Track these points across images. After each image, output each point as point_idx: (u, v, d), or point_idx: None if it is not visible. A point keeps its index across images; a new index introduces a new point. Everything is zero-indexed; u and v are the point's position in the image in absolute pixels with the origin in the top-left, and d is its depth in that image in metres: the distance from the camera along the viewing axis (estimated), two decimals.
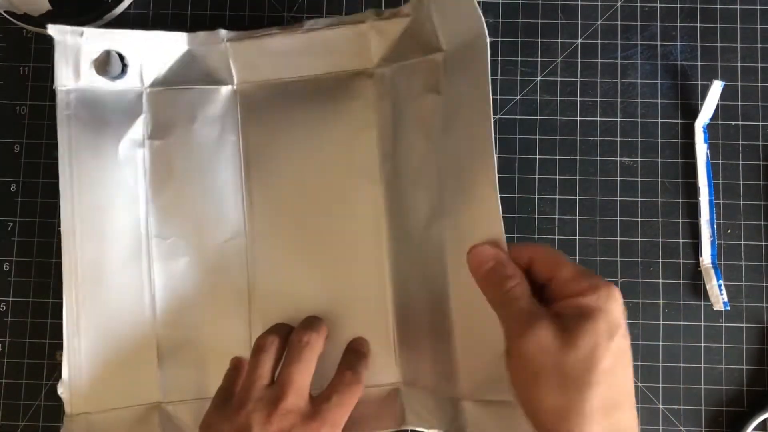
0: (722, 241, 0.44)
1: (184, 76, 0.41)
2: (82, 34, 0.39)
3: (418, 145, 0.39)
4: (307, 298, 0.40)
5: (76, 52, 0.39)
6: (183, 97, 0.41)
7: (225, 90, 0.41)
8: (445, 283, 0.37)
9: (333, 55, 0.40)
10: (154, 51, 0.41)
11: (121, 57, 0.40)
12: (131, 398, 0.39)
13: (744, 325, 0.43)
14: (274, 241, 0.40)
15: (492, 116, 0.33)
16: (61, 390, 0.38)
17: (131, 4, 0.45)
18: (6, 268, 0.44)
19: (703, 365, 0.43)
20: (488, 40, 0.34)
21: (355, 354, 0.39)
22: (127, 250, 0.39)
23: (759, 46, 0.45)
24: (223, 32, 0.41)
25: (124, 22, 0.45)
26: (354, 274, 0.40)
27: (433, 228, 0.38)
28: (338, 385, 0.36)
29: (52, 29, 0.39)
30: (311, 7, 0.45)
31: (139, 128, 0.40)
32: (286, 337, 0.37)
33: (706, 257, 0.43)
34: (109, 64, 0.39)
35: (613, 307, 0.30)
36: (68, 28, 0.39)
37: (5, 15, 0.44)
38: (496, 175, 0.33)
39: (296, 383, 0.35)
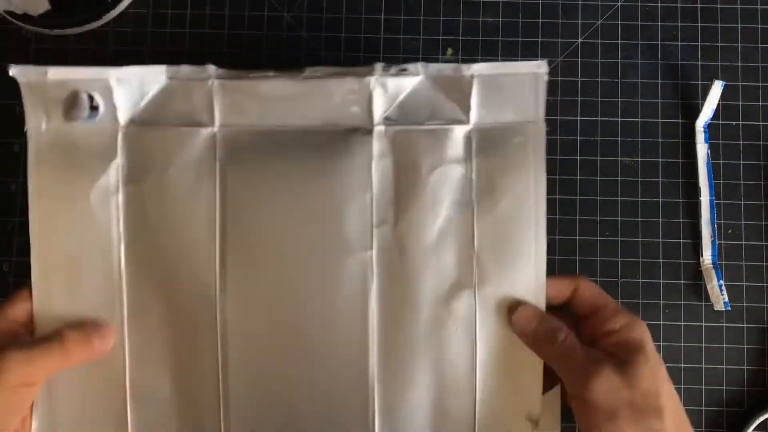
0: (723, 241, 0.44)
1: (161, 115, 0.38)
2: (46, 74, 0.37)
3: (437, 215, 0.37)
4: (281, 367, 0.37)
5: (43, 92, 0.37)
6: (158, 138, 0.37)
7: (203, 132, 0.37)
8: (470, 351, 0.37)
9: (331, 106, 0.37)
10: (130, 87, 0.37)
11: (91, 97, 0.37)
12: None
13: (745, 325, 0.43)
14: (247, 304, 0.37)
15: (545, 191, 0.37)
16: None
17: (131, 3, 0.45)
18: (5, 268, 0.44)
19: (703, 365, 0.43)
20: (545, 127, 0.37)
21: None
22: (100, 303, 0.37)
23: (760, 45, 0.45)
24: (212, 68, 0.37)
25: (124, 21, 0.45)
26: (334, 349, 0.37)
27: (457, 298, 0.37)
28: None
29: (15, 70, 0.37)
30: (311, 8, 0.45)
31: (113, 173, 0.37)
32: None
33: (706, 257, 0.43)
34: (75, 106, 0.36)
35: (649, 337, 0.34)
36: (32, 68, 0.37)
37: (5, 15, 0.44)
38: (545, 251, 0.37)
39: None
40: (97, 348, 0.36)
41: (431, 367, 0.37)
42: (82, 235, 0.37)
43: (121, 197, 0.37)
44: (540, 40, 0.45)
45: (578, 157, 0.44)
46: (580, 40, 0.45)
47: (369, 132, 0.38)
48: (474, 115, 0.37)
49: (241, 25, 0.45)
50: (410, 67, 0.37)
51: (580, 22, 0.45)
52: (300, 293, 0.37)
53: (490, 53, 0.45)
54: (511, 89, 0.37)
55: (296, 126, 0.38)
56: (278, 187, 0.37)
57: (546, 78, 0.37)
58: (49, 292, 0.37)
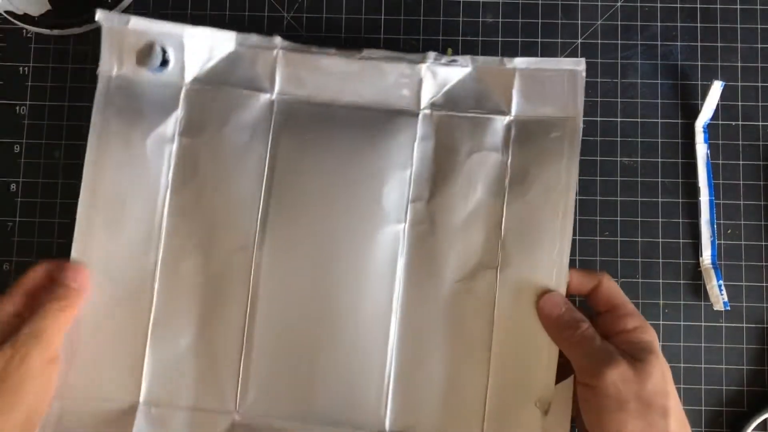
0: (722, 241, 0.44)
1: (225, 77, 0.40)
2: (128, 22, 0.39)
3: (470, 197, 0.39)
4: (306, 324, 0.39)
5: (121, 39, 0.39)
6: (219, 97, 0.40)
7: (263, 98, 0.40)
8: (488, 331, 0.38)
9: (383, 87, 0.40)
10: (200, 47, 0.40)
11: (164, 50, 0.39)
12: (112, 392, 0.38)
13: (744, 325, 0.43)
14: (283, 260, 0.39)
15: (576, 184, 0.38)
16: None
17: (131, 3, 0.45)
18: (6, 268, 0.44)
19: (703, 365, 0.43)
20: (582, 123, 0.39)
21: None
22: (138, 242, 0.39)
23: (759, 46, 0.45)
24: (278, 39, 0.40)
25: None
26: (359, 313, 0.39)
27: (480, 278, 0.39)
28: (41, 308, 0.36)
29: (101, 14, 0.39)
30: (311, 8, 0.45)
31: (171, 123, 0.40)
32: None
33: (706, 257, 0.43)
34: (149, 56, 0.39)
35: (658, 342, 0.36)
36: (115, 15, 0.39)
37: (5, 15, 0.44)
38: (570, 242, 0.38)
39: None
40: (77, 287, 0.37)
41: (448, 341, 0.39)
42: (132, 176, 0.39)
43: (175, 147, 0.40)
44: (540, 40, 0.45)
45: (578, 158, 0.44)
46: (579, 41, 0.45)
47: (415, 115, 0.40)
48: (515, 107, 0.40)
49: (242, 25, 0.45)
50: (460, 59, 0.40)
51: (579, 22, 0.45)
52: (333, 256, 0.39)
53: (489, 53, 0.45)
54: (552, 85, 0.39)
55: (348, 102, 0.40)
56: (325, 156, 0.40)
57: (584, 75, 0.39)
58: (91, 223, 0.39)
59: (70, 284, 0.37)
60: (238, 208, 0.39)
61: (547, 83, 0.39)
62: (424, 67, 0.40)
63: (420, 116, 0.40)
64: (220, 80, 0.40)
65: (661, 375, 0.34)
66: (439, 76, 0.40)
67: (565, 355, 0.37)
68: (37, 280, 0.37)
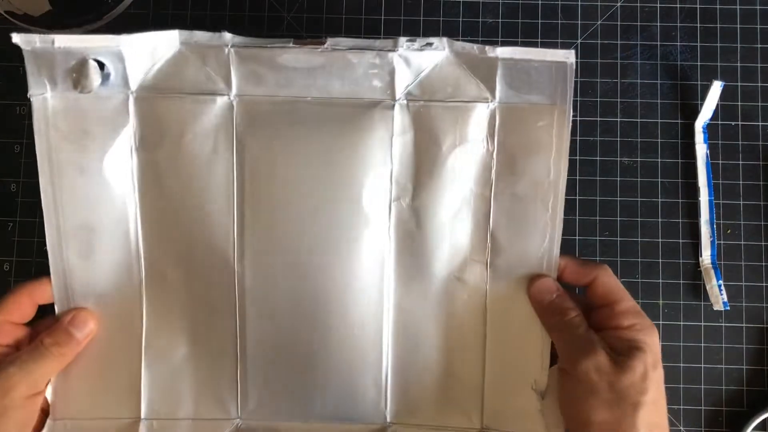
0: (722, 241, 0.44)
1: (175, 82, 0.37)
2: (53, 42, 0.36)
3: (455, 191, 0.38)
4: (298, 329, 0.38)
5: (50, 61, 0.36)
6: (173, 105, 0.37)
7: (220, 101, 0.37)
8: (481, 320, 0.38)
9: (352, 79, 0.37)
10: (141, 53, 0.36)
11: (101, 65, 0.36)
12: (113, 411, 0.38)
13: (744, 325, 0.43)
14: (266, 271, 0.38)
15: (566, 176, 0.37)
16: (49, 392, 0.38)
17: (131, 4, 0.45)
18: (6, 268, 0.44)
19: (702, 365, 0.43)
20: (571, 110, 0.37)
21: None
22: (118, 266, 0.38)
23: (759, 46, 0.45)
24: (228, 36, 0.36)
25: (125, 21, 0.45)
26: (350, 313, 0.38)
27: (470, 270, 0.38)
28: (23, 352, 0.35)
29: (18, 38, 0.35)
30: (311, 8, 0.45)
31: (125, 139, 0.37)
32: None
33: (705, 257, 0.43)
34: (86, 76, 0.36)
35: (656, 343, 0.35)
36: (37, 36, 0.36)
37: (5, 15, 0.44)
38: (560, 235, 0.37)
39: None
40: (80, 337, 0.37)
41: (442, 331, 0.38)
42: (96, 201, 0.37)
43: (135, 164, 0.37)
44: (539, 40, 0.45)
45: (578, 157, 0.44)
46: (579, 41, 0.45)
47: (391, 107, 0.37)
48: (499, 93, 0.37)
49: (242, 25, 0.45)
50: (435, 41, 0.36)
51: (579, 22, 0.45)
52: (317, 262, 0.38)
53: None
54: (539, 74, 0.37)
55: (316, 98, 0.37)
56: (297, 159, 0.37)
57: (573, 66, 0.36)
58: (63, 257, 0.37)
59: (75, 334, 0.36)
60: (211, 221, 0.38)
61: (533, 72, 0.37)
62: (395, 56, 0.36)
63: (396, 108, 0.37)
64: (170, 86, 0.37)
65: (642, 372, 0.33)
66: (413, 62, 0.37)
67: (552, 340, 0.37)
68: (21, 305, 0.36)
